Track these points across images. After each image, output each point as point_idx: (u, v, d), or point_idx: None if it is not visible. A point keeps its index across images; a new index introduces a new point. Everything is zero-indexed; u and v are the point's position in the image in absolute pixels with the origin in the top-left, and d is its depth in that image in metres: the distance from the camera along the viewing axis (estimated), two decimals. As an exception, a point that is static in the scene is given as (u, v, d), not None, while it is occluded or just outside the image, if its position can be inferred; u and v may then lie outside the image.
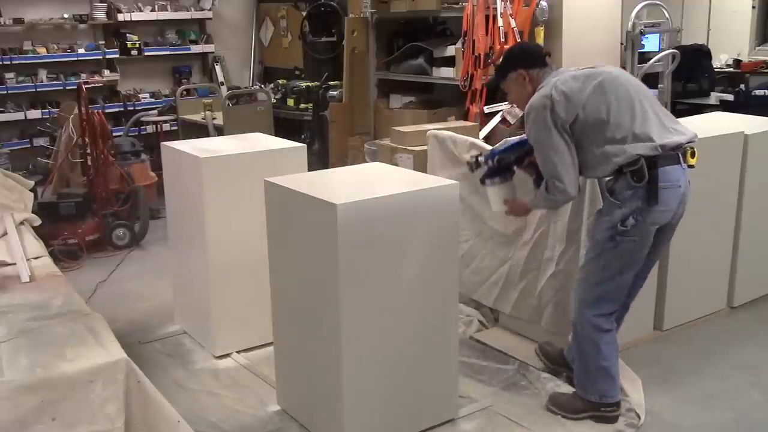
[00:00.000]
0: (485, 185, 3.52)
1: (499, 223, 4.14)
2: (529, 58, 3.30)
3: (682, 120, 4.93)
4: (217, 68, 9.07)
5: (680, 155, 3.11)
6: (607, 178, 3.18)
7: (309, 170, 4.02)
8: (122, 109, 8.45)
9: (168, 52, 8.78)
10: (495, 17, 5.68)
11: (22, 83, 7.99)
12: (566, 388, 3.56)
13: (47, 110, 8.06)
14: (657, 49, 6.53)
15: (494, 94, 3.41)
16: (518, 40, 5.78)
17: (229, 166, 3.94)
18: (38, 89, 8.04)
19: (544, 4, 6.15)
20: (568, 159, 3.09)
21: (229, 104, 7.32)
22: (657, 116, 3.14)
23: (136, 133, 7.87)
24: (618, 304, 3.32)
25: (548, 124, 3.07)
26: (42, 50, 8.03)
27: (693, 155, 3.15)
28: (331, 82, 7.50)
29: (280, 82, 8.22)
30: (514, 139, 3.49)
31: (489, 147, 4.23)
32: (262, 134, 4.65)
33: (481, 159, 3.50)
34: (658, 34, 6.59)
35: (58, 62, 8.12)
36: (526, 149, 3.40)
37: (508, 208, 3.51)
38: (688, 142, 3.15)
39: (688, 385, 3.68)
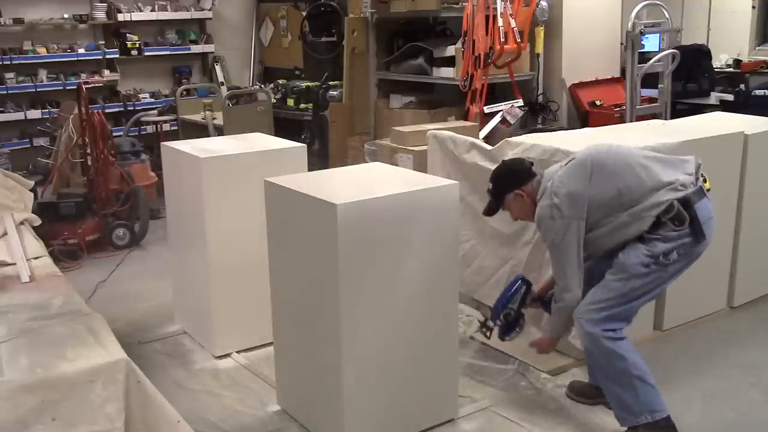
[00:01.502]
0: (506, 341, 3.61)
1: (500, 223, 4.14)
2: (519, 175, 3.31)
3: (682, 120, 4.96)
4: (217, 68, 9.07)
5: (702, 187, 3.12)
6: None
7: (309, 170, 4.02)
8: (122, 109, 8.45)
9: (168, 52, 8.78)
10: (495, 17, 5.69)
11: (22, 83, 7.99)
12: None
13: (47, 110, 8.07)
14: (657, 49, 6.54)
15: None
16: (518, 41, 5.79)
17: (229, 166, 3.94)
18: (38, 89, 8.04)
19: (544, 4, 6.16)
20: (575, 262, 3.11)
21: (229, 104, 7.32)
22: (657, 162, 3.16)
23: (136, 133, 7.87)
24: (626, 324, 3.21)
25: (558, 231, 3.09)
26: (42, 50, 8.04)
27: (705, 180, 3.16)
28: (331, 82, 7.50)
29: (280, 82, 8.23)
30: (504, 290, 3.54)
31: (489, 147, 4.23)
32: (262, 134, 4.65)
33: (489, 324, 3.57)
34: (658, 34, 6.60)
35: (58, 62, 8.13)
36: (522, 292, 3.47)
37: (536, 348, 3.53)
38: (698, 168, 3.16)
39: (688, 385, 3.67)
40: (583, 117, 6.57)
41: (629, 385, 3.12)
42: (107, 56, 8.35)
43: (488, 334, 3.61)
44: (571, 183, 3.12)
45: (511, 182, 3.31)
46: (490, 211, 3.44)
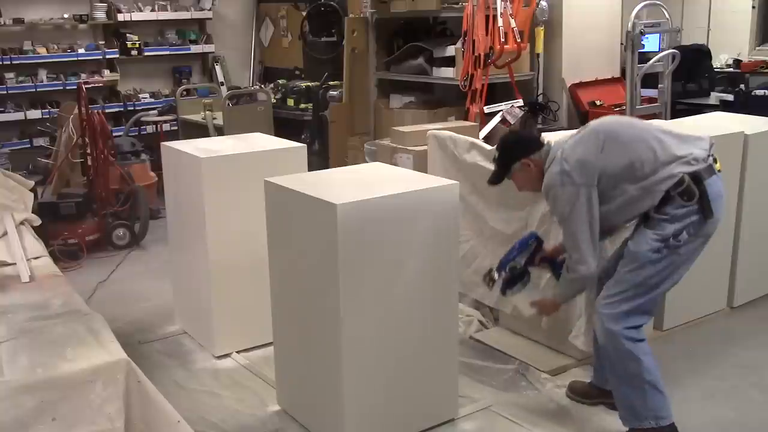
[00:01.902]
0: (507, 296, 3.51)
1: (500, 223, 4.14)
2: (527, 144, 3.25)
3: (682, 120, 4.95)
4: (217, 68, 9.08)
5: (713, 165, 3.08)
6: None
7: (309, 170, 4.02)
8: (122, 109, 8.46)
9: (168, 52, 8.79)
10: (495, 17, 5.68)
11: (22, 83, 8.00)
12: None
13: (47, 110, 8.08)
14: (657, 49, 6.54)
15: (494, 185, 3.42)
16: (518, 41, 5.78)
17: (229, 166, 3.94)
18: (38, 89, 8.05)
19: (544, 4, 6.16)
20: (589, 232, 3.04)
21: (229, 104, 7.32)
22: (670, 136, 3.12)
23: (136, 133, 7.88)
24: (649, 317, 3.18)
25: (570, 199, 3.03)
26: (42, 50, 8.04)
27: (715, 161, 3.12)
28: (331, 82, 7.50)
29: (280, 82, 8.22)
30: (516, 243, 3.48)
31: (489, 147, 4.23)
32: (262, 134, 4.65)
33: (494, 274, 3.47)
34: (658, 34, 6.60)
35: (58, 62, 8.13)
36: (532, 247, 3.41)
37: (537, 309, 3.47)
38: (711, 147, 3.12)
39: (688, 385, 3.67)
40: (583, 117, 6.56)
41: (639, 388, 3.09)
42: (107, 56, 8.35)
43: (491, 284, 3.51)
44: (583, 151, 3.06)
45: (518, 151, 3.25)
46: (495, 179, 3.36)
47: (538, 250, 3.42)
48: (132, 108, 8.42)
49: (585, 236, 3.05)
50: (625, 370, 3.10)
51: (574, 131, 3.28)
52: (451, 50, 6.27)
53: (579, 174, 3.02)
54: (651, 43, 6.58)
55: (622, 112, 6.19)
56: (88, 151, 6.03)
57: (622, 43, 6.65)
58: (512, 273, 3.40)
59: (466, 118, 5.87)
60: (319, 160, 6.94)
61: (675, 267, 3.08)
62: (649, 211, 3.04)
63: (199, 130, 7.08)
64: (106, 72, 8.43)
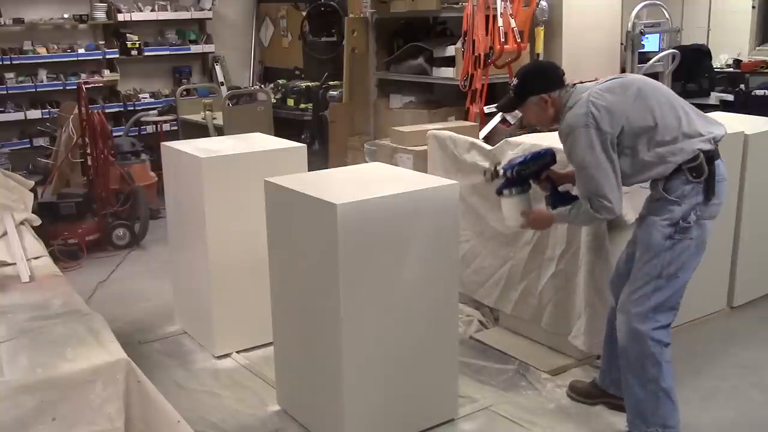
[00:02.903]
0: (502, 195, 3.38)
1: (500, 224, 4.14)
2: (549, 79, 3.14)
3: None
4: (217, 68, 9.08)
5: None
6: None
7: (309, 170, 4.02)
8: (122, 109, 8.46)
9: (168, 52, 8.79)
10: (495, 17, 5.68)
11: (22, 83, 7.99)
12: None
13: (47, 110, 8.07)
14: (657, 49, 6.54)
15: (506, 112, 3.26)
16: (518, 41, 5.78)
17: (229, 166, 3.94)
18: (38, 89, 8.05)
19: (544, 4, 6.15)
20: (613, 178, 2.97)
21: (229, 104, 7.32)
22: (694, 112, 3.10)
23: (136, 133, 7.88)
24: (674, 313, 3.12)
25: (592, 143, 2.95)
26: (42, 50, 8.04)
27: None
28: (331, 82, 7.50)
29: (280, 82, 8.22)
30: (533, 150, 3.40)
31: (489, 147, 4.23)
32: (262, 134, 4.65)
33: (500, 168, 3.37)
34: (658, 34, 6.60)
35: (58, 62, 8.13)
36: (545, 162, 3.32)
37: (527, 220, 3.32)
38: (724, 133, 3.12)
39: (688, 385, 3.67)
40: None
41: (653, 394, 3.08)
42: (107, 56, 8.35)
43: (492, 178, 3.40)
44: (613, 99, 2.99)
45: (539, 84, 3.13)
46: (507, 107, 3.26)
47: (548, 166, 3.33)
48: (132, 108, 8.42)
49: (610, 181, 2.96)
50: (644, 373, 3.07)
51: (602, 80, 3.18)
52: (451, 50, 6.27)
53: (605, 120, 2.95)
54: (651, 43, 6.58)
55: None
56: (88, 151, 6.03)
57: (622, 43, 6.65)
58: (517, 176, 3.31)
59: (466, 118, 5.87)
60: (319, 160, 6.94)
61: (689, 252, 3.03)
62: (654, 188, 3.02)
63: (199, 130, 7.08)
64: (106, 72, 8.43)
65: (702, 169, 2.98)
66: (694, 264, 3.09)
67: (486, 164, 4.14)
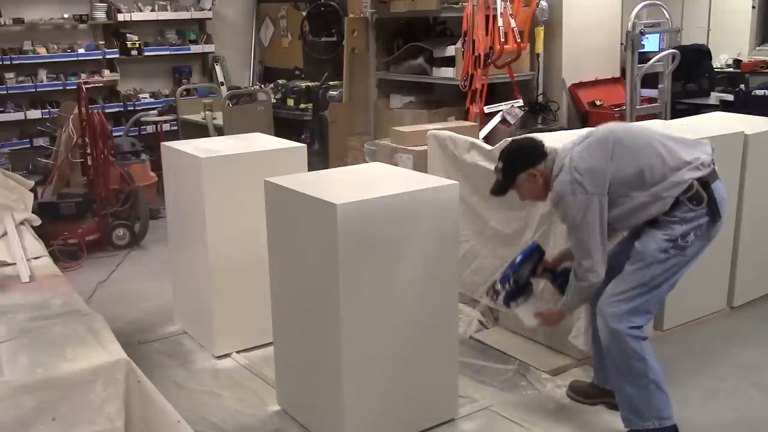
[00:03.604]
0: (511, 308, 3.49)
1: (500, 223, 4.14)
2: (532, 154, 3.21)
3: (682, 120, 4.96)
4: (217, 68, 9.08)
5: (715, 169, 3.09)
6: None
7: (309, 170, 4.02)
8: (122, 109, 8.46)
9: (168, 52, 8.79)
10: (495, 17, 5.68)
11: (22, 83, 7.99)
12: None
13: (47, 110, 8.07)
14: (657, 49, 6.54)
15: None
16: (518, 41, 5.78)
17: (229, 166, 3.94)
18: (38, 89, 8.05)
19: (544, 4, 6.16)
20: (599, 241, 3.03)
21: (229, 104, 7.32)
22: (676, 143, 3.12)
23: (136, 133, 7.88)
24: (650, 316, 3.18)
25: (580, 209, 3.01)
26: (42, 50, 8.04)
27: (713, 162, 3.12)
28: (331, 82, 7.50)
29: (280, 82, 8.22)
30: (518, 255, 3.47)
31: (489, 147, 4.23)
32: (262, 134, 4.65)
33: (497, 286, 3.45)
34: (658, 34, 6.60)
35: (58, 62, 8.13)
36: (534, 259, 3.40)
37: (542, 320, 3.42)
38: (713, 151, 3.14)
39: (688, 385, 3.67)
40: (583, 117, 6.57)
41: (644, 388, 3.09)
42: (107, 56, 8.35)
43: (495, 297, 3.47)
44: (593, 159, 3.04)
45: (523, 161, 3.21)
46: (499, 191, 3.32)
47: (539, 261, 3.43)
48: (132, 108, 8.42)
49: (596, 244, 3.05)
50: (630, 369, 3.09)
51: (576, 135, 3.26)
52: (451, 50, 6.27)
53: (590, 182, 3.01)
54: (651, 43, 6.58)
55: (622, 112, 6.20)
56: (88, 151, 6.03)
57: (622, 43, 6.66)
58: (516, 285, 3.40)
59: (466, 118, 5.87)
60: (319, 160, 6.94)
61: (679, 267, 3.09)
62: (657, 216, 3.05)
63: (199, 130, 7.08)
64: (106, 72, 8.43)
65: (701, 196, 3.01)
66: (679, 277, 3.15)
67: (485, 164, 4.15)
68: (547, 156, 3.19)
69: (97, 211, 5.90)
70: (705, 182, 3.02)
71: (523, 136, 3.58)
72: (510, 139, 3.67)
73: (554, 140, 3.86)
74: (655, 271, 3.05)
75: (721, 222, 3.09)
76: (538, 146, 3.24)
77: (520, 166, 3.21)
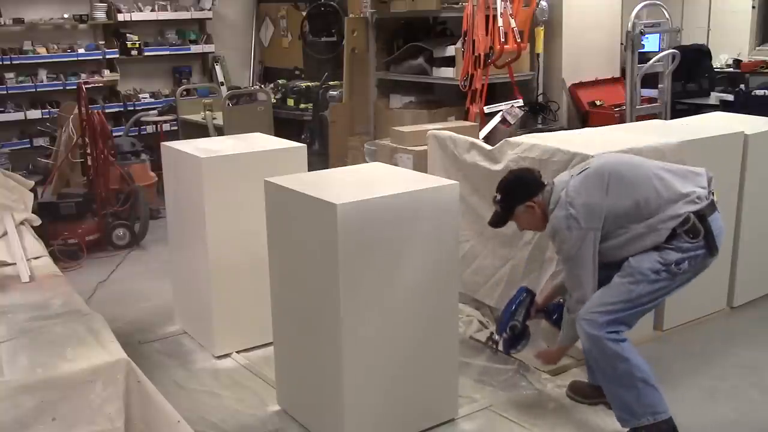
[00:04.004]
0: (512, 354, 3.62)
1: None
2: (529, 186, 3.26)
3: (682, 120, 4.96)
4: (217, 68, 9.08)
5: (713, 200, 3.11)
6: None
7: (309, 170, 4.02)
8: (122, 109, 8.46)
9: (168, 52, 8.79)
10: (495, 17, 5.69)
11: (22, 83, 7.99)
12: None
13: (47, 110, 8.07)
14: (657, 49, 6.55)
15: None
16: (518, 41, 5.78)
17: (229, 166, 3.94)
18: (38, 89, 8.05)
19: (544, 4, 6.16)
20: (591, 273, 3.10)
21: (229, 104, 7.32)
22: (672, 174, 3.14)
23: (136, 133, 7.88)
24: (629, 328, 3.18)
25: (575, 243, 3.06)
26: (42, 50, 8.04)
27: (712, 193, 3.16)
28: (331, 82, 7.50)
29: (280, 82, 8.22)
30: (508, 303, 3.54)
31: (489, 147, 4.23)
32: (262, 134, 4.65)
33: (495, 338, 3.55)
34: (658, 34, 6.60)
35: (58, 62, 8.13)
36: (526, 302, 3.48)
37: (543, 360, 3.55)
38: (710, 182, 3.15)
39: (688, 385, 3.67)
40: (583, 117, 6.57)
41: (632, 386, 3.10)
42: (107, 56, 8.35)
43: (495, 347, 3.62)
44: (588, 193, 3.08)
45: (521, 194, 3.26)
46: (498, 222, 3.38)
47: (531, 303, 3.51)
48: (132, 108, 8.42)
49: (588, 276, 3.12)
50: (615, 371, 3.11)
51: (576, 167, 3.30)
52: (451, 50, 6.27)
53: (585, 218, 3.05)
54: (651, 43, 6.58)
55: (622, 112, 6.20)
56: (88, 151, 6.03)
57: (622, 43, 6.66)
58: (513, 333, 3.49)
59: (466, 118, 5.87)
60: (319, 160, 6.94)
61: (665, 291, 3.14)
62: (651, 247, 3.07)
63: (199, 130, 7.08)
64: (106, 72, 8.43)
65: (697, 229, 3.03)
66: (664, 299, 3.21)
67: (485, 164, 4.15)
68: (545, 187, 3.24)
69: (97, 211, 5.90)
70: (702, 215, 3.04)
71: (520, 167, 3.63)
72: (507, 170, 3.72)
73: (555, 140, 3.87)
74: (643, 290, 3.08)
75: (717, 255, 3.14)
76: (536, 178, 3.30)
77: (518, 198, 3.27)
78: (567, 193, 3.11)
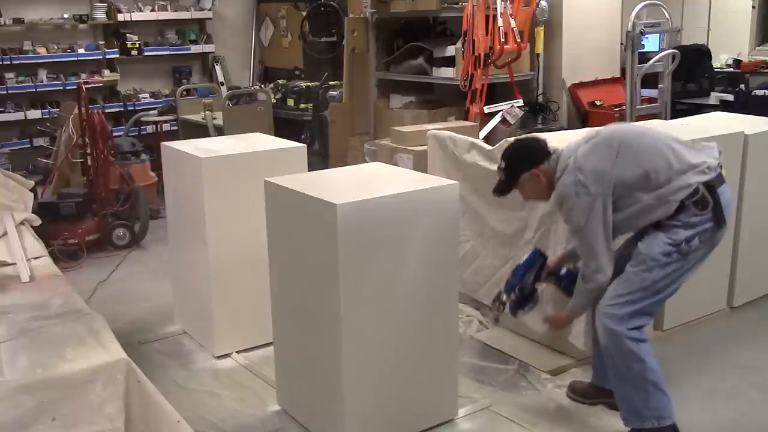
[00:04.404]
0: (518, 316, 3.51)
1: (500, 223, 4.14)
2: (534, 153, 3.19)
3: (682, 120, 4.96)
4: (217, 68, 9.08)
5: (722, 173, 3.07)
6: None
7: (309, 170, 4.02)
8: (122, 109, 8.46)
9: (168, 52, 8.79)
10: (495, 17, 5.69)
11: (22, 83, 7.99)
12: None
13: (47, 110, 8.07)
14: (657, 49, 6.55)
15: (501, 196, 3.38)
16: (518, 41, 5.78)
17: (229, 166, 3.94)
18: (38, 89, 8.05)
19: (544, 4, 6.16)
20: (605, 242, 3.01)
21: (229, 104, 7.32)
22: (681, 144, 3.10)
23: (136, 133, 7.88)
24: (650, 319, 3.16)
25: (584, 210, 2.99)
26: (42, 50, 8.04)
27: (721, 166, 3.11)
28: (331, 82, 7.50)
29: (280, 82, 8.22)
30: (520, 263, 3.48)
31: (489, 147, 4.23)
32: (262, 134, 4.65)
33: (503, 297, 3.44)
34: (658, 34, 6.61)
35: (58, 62, 8.13)
36: (537, 264, 3.40)
37: (550, 325, 3.46)
38: (720, 154, 3.12)
39: (688, 385, 3.67)
40: (583, 117, 6.58)
41: (642, 388, 3.08)
42: (107, 56, 8.35)
43: (501, 308, 3.48)
44: (597, 160, 3.01)
45: (527, 161, 3.18)
46: (502, 190, 3.30)
47: (542, 266, 3.43)
48: (132, 108, 8.42)
49: (602, 245, 3.02)
50: (629, 371, 3.08)
51: (580, 135, 3.25)
52: (451, 50, 6.27)
53: (594, 184, 2.98)
54: (651, 43, 6.59)
55: (622, 112, 6.20)
56: (88, 151, 6.03)
57: (622, 43, 6.66)
58: (522, 293, 3.41)
59: (466, 118, 5.88)
60: (319, 160, 6.94)
61: (681, 273, 3.07)
62: (661, 219, 3.03)
63: (199, 130, 7.08)
64: (106, 72, 8.43)
65: (706, 200, 2.98)
66: (683, 281, 3.13)
67: (485, 164, 4.15)
68: (551, 155, 3.17)
69: (97, 211, 5.90)
70: (711, 186, 2.99)
71: (525, 135, 3.54)
72: (513, 138, 3.66)
73: (555, 140, 3.86)
74: (657, 276, 3.03)
75: (726, 228, 3.07)
76: (542, 145, 3.22)
77: (523, 165, 3.19)
78: (575, 159, 3.04)
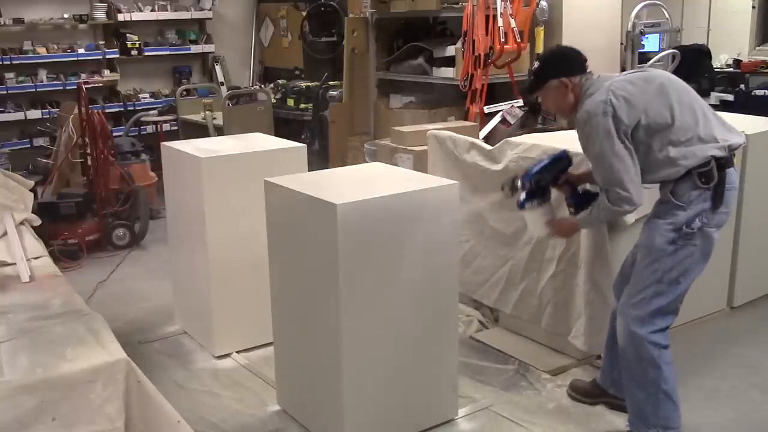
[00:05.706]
0: (524, 209, 3.34)
1: (500, 223, 4.14)
2: (572, 64, 3.10)
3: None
4: (217, 68, 9.08)
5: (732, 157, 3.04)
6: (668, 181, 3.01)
7: (309, 170, 4.02)
8: (122, 109, 8.46)
9: (168, 52, 8.79)
10: (495, 17, 5.68)
11: (22, 83, 7.99)
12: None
13: (47, 110, 8.07)
14: (657, 49, 6.55)
15: (528, 99, 3.17)
16: (518, 41, 5.78)
17: (229, 166, 3.94)
18: (38, 89, 8.05)
19: (544, 4, 6.16)
20: (632, 167, 2.92)
21: (229, 104, 7.32)
22: (715, 117, 3.06)
23: (136, 133, 7.88)
24: (674, 317, 3.09)
25: (610, 132, 2.89)
26: (42, 50, 8.04)
27: (734, 155, 3.07)
28: (331, 82, 7.50)
29: (280, 82, 8.22)
30: (545, 158, 3.36)
31: (489, 147, 4.23)
32: (262, 134, 4.65)
33: (518, 182, 3.31)
34: (658, 34, 6.61)
35: (58, 62, 8.13)
36: (561, 166, 3.29)
37: (553, 229, 3.31)
38: (742, 144, 3.09)
39: (688, 385, 3.67)
40: (583, 117, 6.56)
41: (653, 396, 3.07)
42: (107, 56, 8.35)
43: (511, 193, 3.35)
44: (633, 89, 2.95)
45: (560, 68, 3.09)
46: (528, 90, 3.22)
47: (564, 170, 3.30)
48: (132, 108, 8.42)
49: (629, 172, 2.91)
50: (643, 376, 3.06)
51: (627, 72, 3.18)
52: (451, 50, 6.27)
53: (623, 110, 2.91)
54: (651, 43, 6.59)
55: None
56: (88, 151, 6.03)
57: (622, 43, 6.66)
58: (537, 185, 3.26)
59: (466, 118, 5.87)
60: (319, 160, 6.94)
61: (692, 260, 3.01)
62: (663, 190, 2.99)
63: (199, 130, 7.08)
64: (106, 72, 8.43)
65: (712, 175, 2.94)
66: (697, 271, 3.07)
67: (485, 164, 4.15)
68: (586, 73, 3.10)
69: (97, 211, 5.90)
70: (722, 164, 2.95)
71: (567, 45, 3.41)
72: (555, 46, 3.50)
73: (555, 140, 3.87)
74: (667, 265, 2.99)
75: (727, 211, 3.02)
76: (580, 59, 3.13)
77: (556, 70, 3.10)
78: (612, 83, 2.97)
